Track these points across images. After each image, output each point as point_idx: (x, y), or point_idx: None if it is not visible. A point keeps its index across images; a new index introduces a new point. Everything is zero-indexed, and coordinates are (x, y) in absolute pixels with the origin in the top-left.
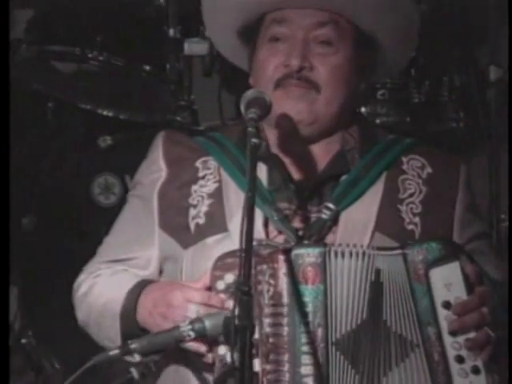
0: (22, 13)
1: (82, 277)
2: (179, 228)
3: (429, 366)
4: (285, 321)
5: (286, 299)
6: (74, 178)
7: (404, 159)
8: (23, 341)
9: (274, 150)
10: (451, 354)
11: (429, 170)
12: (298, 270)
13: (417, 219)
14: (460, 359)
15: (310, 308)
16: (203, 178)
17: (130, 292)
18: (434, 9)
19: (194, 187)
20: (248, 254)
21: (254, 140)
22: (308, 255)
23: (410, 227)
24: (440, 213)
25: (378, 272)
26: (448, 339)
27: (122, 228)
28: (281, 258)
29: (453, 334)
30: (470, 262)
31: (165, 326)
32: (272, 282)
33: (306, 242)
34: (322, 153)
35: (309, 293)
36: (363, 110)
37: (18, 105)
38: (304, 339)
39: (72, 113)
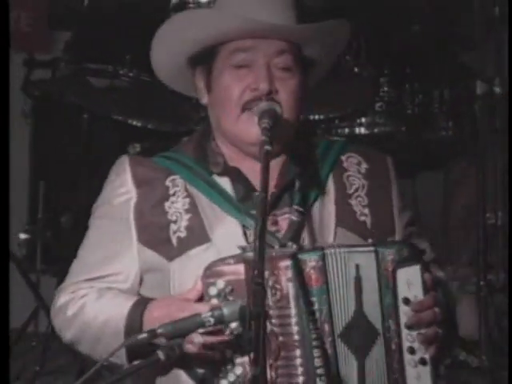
0: (61, 35)
1: (63, 298)
2: (161, 242)
3: (386, 354)
4: (293, 321)
5: (292, 301)
6: None
7: (343, 158)
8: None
9: (232, 163)
10: (405, 345)
11: (365, 165)
12: (303, 274)
13: (366, 210)
14: (412, 350)
15: (316, 307)
16: (173, 194)
17: (131, 310)
18: (426, 30)
19: (167, 204)
20: (262, 251)
21: (267, 147)
22: (310, 260)
23: (362, 218)
24: (382, 202)
25: (357, 267)
26: (404, 332)
27: (95, 247)
28: (282, 264)
29: (408, 327)
30: (427, 271)
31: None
32: (278, 286)
33: (289, 244)
34: (275, 162)
35: (314, 294)
36: (363, 120)
37: (57, 116)
38: (314, 335)
39: (105, 123)
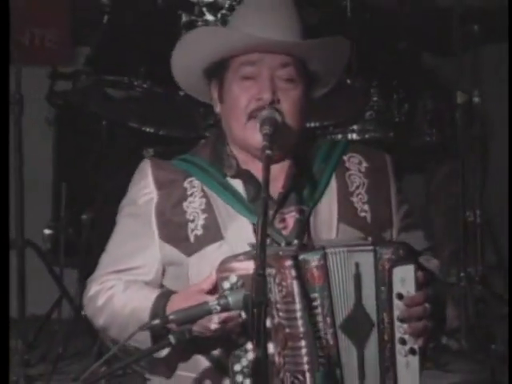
0: (82, 49)
1: (93, 289)
2: (180, 239)
3: (379, 344)
4: (298, 315)
5: (297, 297)
6: (123, 183)
7: (345, 158)
8: (83, 313)
9: (244, 166)
10: (397, 336)
11: (365, 164)
12: (306, 272)
13: (366, 207)
14: (402, 341)
15: (318, 302)
16: (191, 195)
17: (155, 302)
18: (411, 47)
19: (185, 204)
20: (263, 246)
21: (268, 151)
22: (313, 260)
23: (363, 214)
24: (381, 198)
25: (357, 265)
26: (396, 324)
27: (122, 241)
28: (287, 263)
29: (401, 320)
30: (421, 270)
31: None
32: (284, 284)
33: (294, 242)
34: (282, 164)
35: (317, 290)
36: (355, 127)
37: (78, 123)
38: (317, 327)
39: (121, 130)
